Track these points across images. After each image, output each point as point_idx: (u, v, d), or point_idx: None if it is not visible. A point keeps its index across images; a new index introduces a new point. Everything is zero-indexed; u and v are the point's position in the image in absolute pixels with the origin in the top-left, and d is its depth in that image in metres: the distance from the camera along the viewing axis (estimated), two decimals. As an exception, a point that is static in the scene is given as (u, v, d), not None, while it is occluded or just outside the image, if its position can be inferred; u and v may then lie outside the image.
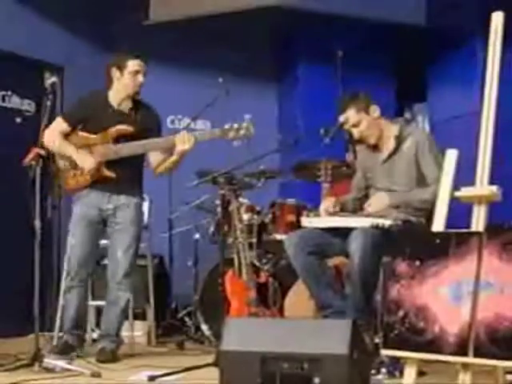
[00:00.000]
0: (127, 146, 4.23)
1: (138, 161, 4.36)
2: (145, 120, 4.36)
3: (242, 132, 4.16)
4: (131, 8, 6.06)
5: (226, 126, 4.16)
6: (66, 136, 4.32)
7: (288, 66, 6.94)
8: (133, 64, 4.26)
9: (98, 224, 4.31)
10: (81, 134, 4.31)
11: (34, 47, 5.73)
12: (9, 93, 5.67)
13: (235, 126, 4.15)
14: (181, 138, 4.17)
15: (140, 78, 4.27)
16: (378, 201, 3.92)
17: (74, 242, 4.28)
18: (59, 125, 4.33)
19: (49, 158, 4.05)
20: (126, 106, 4.34)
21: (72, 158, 4.27)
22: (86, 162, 4.24)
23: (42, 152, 3.97)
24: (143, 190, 4.48)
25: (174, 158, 4.27)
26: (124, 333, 4.60)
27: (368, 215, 3.85)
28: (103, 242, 4.46)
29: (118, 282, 4.30)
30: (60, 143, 4.30)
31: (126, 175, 4.29)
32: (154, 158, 4.38)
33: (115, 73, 4.29)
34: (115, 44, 6.41)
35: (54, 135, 4.28)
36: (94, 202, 4.29)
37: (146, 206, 5.10)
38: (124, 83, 4.29)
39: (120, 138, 4.25)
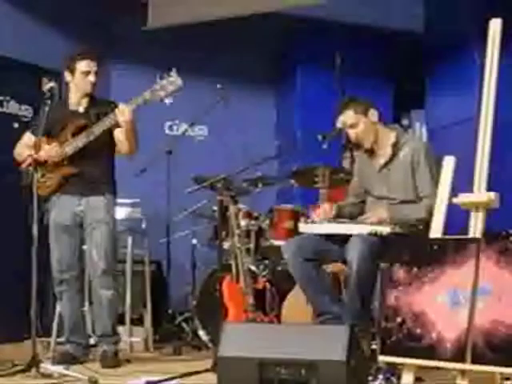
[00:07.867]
0: (80, 137, 4.24)
1: (104, 159, 4.37)
2: (100, 112, 4.34)
3: (170, 88, 4.14)
4: (129, 13, 6.07)
5: (155, 86, 4.15)
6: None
7: (286, 72, 6.94)
8: (83, 65, 4.31)
9: (74, 228, 4.32)
10: (44, 140, 4.30)
11: (32, 52, 5.73)
12: (7, 98, 5.66)
13: (163, 82, 4.15)
14: (118, 111, 4.17)
15: (91, 77, 4.32)
16: (376, 216, 3.91)
17: (53, 248, 4.32)
18: (26, 137, 4.43)
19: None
20: (83, 105, 4.38)
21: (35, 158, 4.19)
22: (49, 151, 4.23)
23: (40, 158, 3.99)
24: (116, 188, 4.44)
25: (122, 129, 4.24)
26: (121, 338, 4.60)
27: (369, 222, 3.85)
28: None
29: (97, 281, 4.29)
30: (24, 151, 4.32)
31: (92, 175, 4.31)
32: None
33: (68, 76, 4.36)
34: (114, 49, 6.43)
35: (20, 147, 4.41)
36: (66, 205, 4.31)
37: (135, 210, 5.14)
38: (76, 84, 4.35)
39: (77, 134, 4.27)
